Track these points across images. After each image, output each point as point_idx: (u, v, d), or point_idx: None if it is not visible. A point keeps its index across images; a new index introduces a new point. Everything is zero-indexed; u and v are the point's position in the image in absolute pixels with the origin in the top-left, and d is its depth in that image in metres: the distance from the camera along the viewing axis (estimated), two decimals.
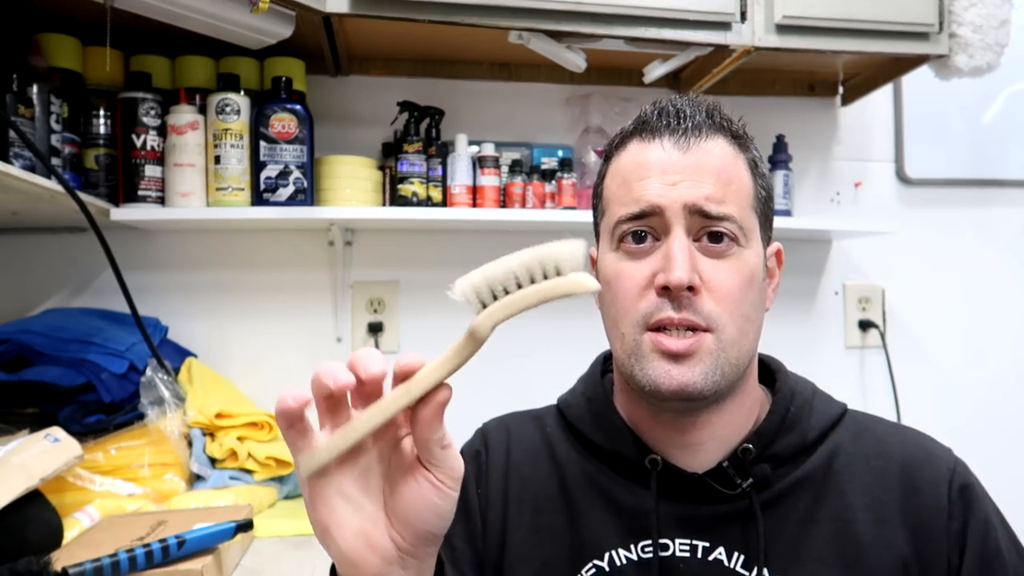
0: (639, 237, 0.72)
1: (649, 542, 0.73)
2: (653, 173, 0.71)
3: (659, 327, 0.70)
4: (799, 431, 0.76)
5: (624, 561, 0.74)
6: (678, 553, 0.73)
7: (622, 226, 0.72)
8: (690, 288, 0.68)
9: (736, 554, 0.72)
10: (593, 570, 0.74)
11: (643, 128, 0.74)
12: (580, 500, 0.77)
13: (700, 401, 0.70)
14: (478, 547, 0.79)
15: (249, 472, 1.28)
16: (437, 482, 0.53)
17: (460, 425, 0.98)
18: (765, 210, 0.76)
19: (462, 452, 0.85)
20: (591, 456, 0.79)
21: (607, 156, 0.79)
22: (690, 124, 0.72)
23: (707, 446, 0.75)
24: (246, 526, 0.95)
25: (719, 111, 0.75)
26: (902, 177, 1.88)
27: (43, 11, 1.33)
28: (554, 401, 0.87)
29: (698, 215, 0.70)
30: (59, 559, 0.82)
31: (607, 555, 0.74)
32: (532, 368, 1.68)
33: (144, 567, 0.84)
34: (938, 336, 1.88)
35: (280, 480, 1.32)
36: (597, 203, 0.80)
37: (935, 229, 1.89)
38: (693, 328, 0.69)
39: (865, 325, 1.84)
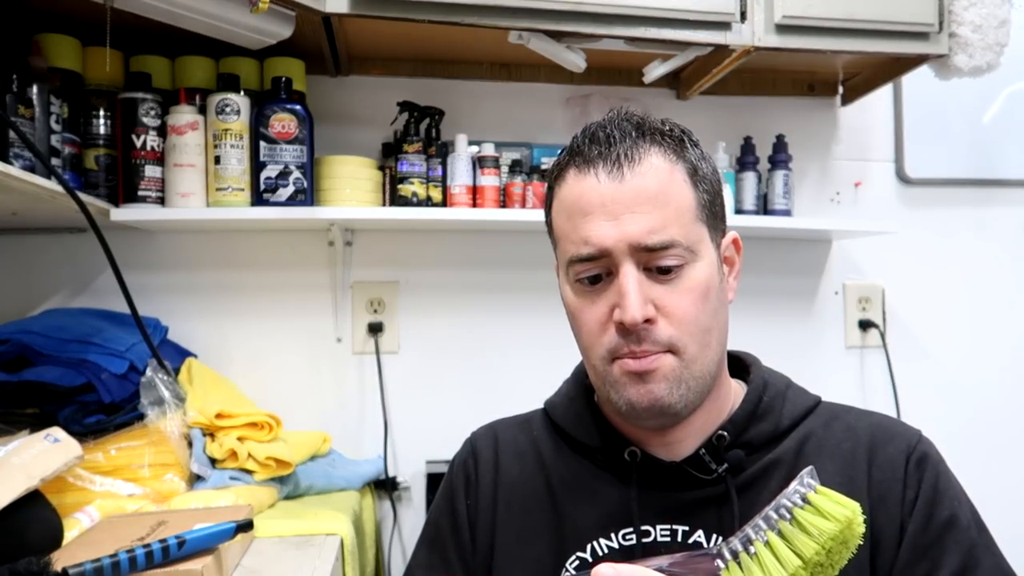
0: (593, 279, 0.74)
1: (630, 530, 0.76)
2: (594, 209, 0.72)
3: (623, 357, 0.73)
4: (772, 419, 0.79)
5: (606, 550, 0.77)
6: (659, 538, 0.76)
7: (575, 266, 0.74)
8: (647, 320, 0.71)
9: (714, 535, 0.75)
10: (577, 562, 0.77)
11: (577, 159, 0.75)
12: (564, 497, 0.81)
13: (672, 416, 0.74)
14: (467, 560, 0.83)
15: (249, 472, 1.27)
16: None
17: (452, 434, 0.99)
18: (712, 210, 0.76)
19: (452, 462, 0.90)
20: (575, 453, 0.83)
21: (549, 186, 0.80)
22: (620, 151, 0.72)
23: (686, 442, 0.78)
24: (246, 526, 0.95)
25: (648, 123, 0.75)
26: (902, 177, 1.88)
27: (43, 11, 1.32)
28: (541, 404, 0.91)
29: (643, 250, 0.71)
30: (59, 559, 0.82)
31: (589, 546, 0.77)
32: (517, 373, 1.68)
33: (144, 567, 0.84)
34: (938, 336, 1.88)
35: (280, 480, 1.32)
36: (549, 231, 0.81)
37: (935, 229, 1.89)
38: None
39: (865, 325, 1.84)
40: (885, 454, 0.77)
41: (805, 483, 0.57)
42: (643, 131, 0.74)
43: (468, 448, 0.89)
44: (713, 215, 0.77)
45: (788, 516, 0.56)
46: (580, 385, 0.86)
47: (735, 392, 0.82)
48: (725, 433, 0.77)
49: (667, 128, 0.76)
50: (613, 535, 0.77)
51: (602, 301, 0.74)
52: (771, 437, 0.79)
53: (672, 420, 0.75)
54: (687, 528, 0.76)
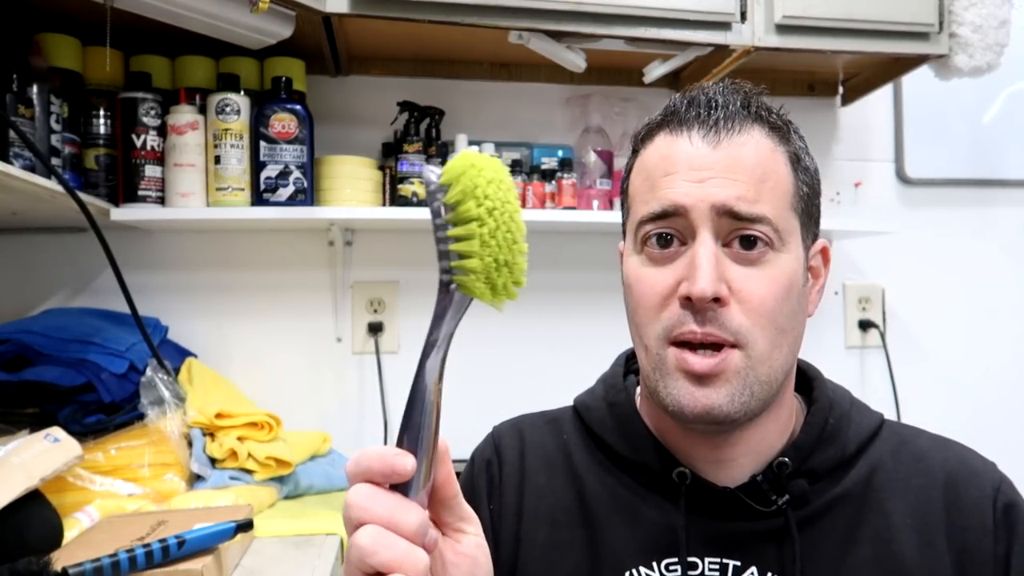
0: (663, 240, 0.65)
1: (675, 560, 0.68)
2: (679, 169, 0.65)
3: (683, 342, 0.64)
4: (838, 445, 0.71)
5: None
6: (707, 572, 0.68)
7: (645, 227, 0.66)
8: (716, 299, 0.62)
9: (770, 575, 0.67)
10: None
11: (671, 119, 0.68)
12: (600, 513, 0.72)
13: (728, 424, 0.65)
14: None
15: (249, 472, 1.27)
16: (473, 534, 0.54)
17: (471, 430, 0.98)
18: (808, 208, 0.69)
19: (472, 459, 0.80)
20: (612, 466, 0.74)
21: (634, 149, 0.72)
22: (722, 115, 0.66)
23: (740, 461, 0.70)
24: (246, 526, 0.95)
25: (757, 99, 0.69)
26: (902, 177, 1.88)
27: (43, 11, 1.32)
28: (570, 402, 0.82)
29: (728, 216, 0.63)
30: (59, 559, 0.82)
31: (628, 573, 0.69)
32: (517, 373, 1.68)
33: (144, 567, 0.84)
34: (938, 336, 1.88)
35: (280, 480, 1.32)
36: (624, 200, 0.73)
37: (935, 229, 1.89)
38: (719, 344, 0.63)
39: (865, 325, 1.84)
40: (968, 497, 0.69)
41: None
42: (748, 105, 0.68)
43: (491, 446, 0.79)
44: (808, 214, 0.69)
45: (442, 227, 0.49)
46: (620, 388, 0.76)
47: (796, 411, 0.73)
48: (788, 460, 0.68)
49: (776, 110, 0.70)
50: (655, 564, 0.68)
51: (668, 271, 0.65)
52: (836, 465, 0.70)
53: (724, 429, 0.67)
54: (739, 563, 0.67)
